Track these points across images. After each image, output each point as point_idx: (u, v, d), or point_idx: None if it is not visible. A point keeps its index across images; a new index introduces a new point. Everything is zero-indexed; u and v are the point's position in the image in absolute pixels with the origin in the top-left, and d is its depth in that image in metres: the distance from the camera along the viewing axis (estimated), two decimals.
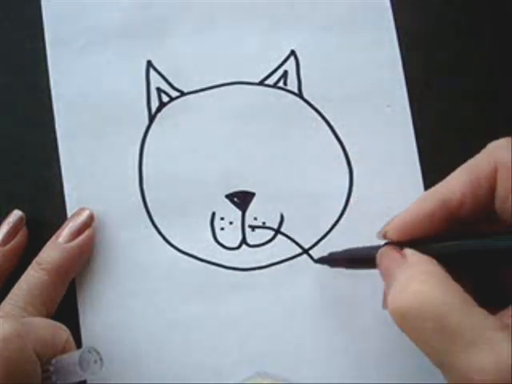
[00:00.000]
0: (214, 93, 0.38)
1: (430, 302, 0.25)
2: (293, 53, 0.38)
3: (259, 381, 0.36)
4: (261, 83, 0.38)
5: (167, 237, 0.37)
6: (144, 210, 0.37)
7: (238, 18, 0.39)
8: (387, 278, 0.28)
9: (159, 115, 0.38)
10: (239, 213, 0.37)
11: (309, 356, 0.36)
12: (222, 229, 0.37)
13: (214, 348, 0.36)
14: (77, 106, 0.38)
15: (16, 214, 0.37)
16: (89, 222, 0.36)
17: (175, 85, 0.38)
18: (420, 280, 0.26)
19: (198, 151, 0.38)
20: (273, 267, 0.37)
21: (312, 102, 0.38)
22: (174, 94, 0.38)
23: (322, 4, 0.39)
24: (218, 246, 0.37)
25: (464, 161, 0.29)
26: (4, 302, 0.34)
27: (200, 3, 0.39)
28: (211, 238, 0.37)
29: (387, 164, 0.37)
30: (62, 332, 0.33)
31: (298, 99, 0.38)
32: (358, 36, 0.38)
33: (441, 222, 0.29)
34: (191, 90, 0.38)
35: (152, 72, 0.38)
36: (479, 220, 0.29)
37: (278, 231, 0.37)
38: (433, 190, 0.29)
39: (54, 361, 0.31)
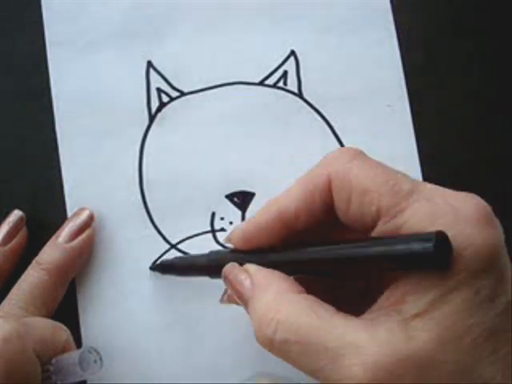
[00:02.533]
0: (214, 93, 0.38)
1: (288, 328, 0.25)
2: (293, 53, 0.38)
3: (259, 381, 0.35)
4: (261, 83, 0.38)
5: (167, 237, 0.37)
6: (144, 210, 0.37)
7: (238, 18, 0.39)
8: (238, 298, 0.29)
9: (159, 115, 0.38)
10: (239, 213, 0.37)
11: None
12: (222, 229, 0.37)
13: (213, 348, 0.36)
14: (77, 106, 0.38)
15: (16, 214, 0.37)
16: (89, 222, 0.36)
17: (175, 85, 0.38)
18: (272, 309, 0.26)
19: (198, 151, 0.38)
20: None
21: (312, 102, 0.38)
22: (174, 94, 0.38)
23: (322, 4, 0.39)
24: (218, 246, 0.37)
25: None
26: (4, 302, 0.34)
27: (200, 3, 0.39)
28: (211, 238, 0.37)
29: (387, 164, 0.37)
30: (62, 332, 0.33)
31: (297, 99, 0.38)
32: (358, 36, 0.38)
33: (278, 232, 0.29)
34: (191, 90, 0.38)
35: (152, 72, 0.38)
36: (325, 229, 0.29)
37: None
38: (272, 201, 0.29)
39: (54, 361, 0.31)
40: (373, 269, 0.27)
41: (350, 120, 0.38)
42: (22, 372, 0.30)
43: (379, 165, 0.27)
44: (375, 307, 0.25)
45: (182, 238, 0.37)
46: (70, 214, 0.37)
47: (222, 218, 0.37)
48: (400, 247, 0.24)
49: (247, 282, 0.28)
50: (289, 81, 0.38)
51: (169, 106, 0.38)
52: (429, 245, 0.23)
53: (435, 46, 0.38)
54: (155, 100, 0.38)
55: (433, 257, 0.23)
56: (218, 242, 0.37)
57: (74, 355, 0.31)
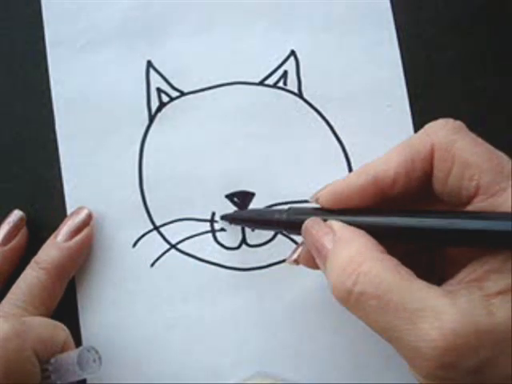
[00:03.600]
0: (214, 93, 0.38)
1: (370, 281, 0.25)
2: (293, 53, 0.38)
3: (259, 381, 0.35)
4: (261, 83, 0.38)
5: (167, 237, 0.37)
6: (144, 209, 0.37)
7: (238, 18, 0.39)
8: (316, 250, 0.28)
9: (159, 115, 0.38)
10: None
11: (309, 356, 0.36)
12: (222, 229, 0.37)
13: (213, 348, 0.36)
14: (77, 106, 0.38)
15: (16, 214, 0.37)
16: (87, 221, 0.36)
17: (175, 85, 0.38)
18: (356, 259, 0.26)
19: (198, 151, 0.38)
20: (273, 267, 0.37)
21: (312, 102, 0.38)
22: (174, 94, 0.38)
23: (322, 4, 0.39)
24: (218, 246, 0.37)
25: None
26: (3, 302, 0.34)
27: (200, 3, 0.39)
28: (211, 238, 0.37)
29: None
30: (61, 331, 0.33)
31: (297, 99, 0.38)
32: (358, 36, 0.38)
33: (372, 197, 0.29)
34: (191, 90, 0.38)
35: (152, 72, 0.38)
36: (416, 199, 0.29)
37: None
38: (368, 165, 0.29)
39: (53, 360, 0.31)
40: (462, 243, 0.26)
41: (350, 120, 0.38)
42: (21, 371, 0.30)
43: (483, 142, 0.27)
44: (454, 281, 0.25)
45: (181, 238, 0.37)
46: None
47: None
48: (498, 223, 0.24)
49: (329, 237, 0.28)
50: (289, 81, 0.38)
51: (169, 106, 0.38)
52: None
53: (435, 46, 0.38)
54: (155, 100, 0.38)
55: None
56: (218, 241, 0.37)
57: (72, 354, 0.31)
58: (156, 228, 0.37)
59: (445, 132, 0.28)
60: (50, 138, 0.38)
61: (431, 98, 0.38)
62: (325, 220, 0.29)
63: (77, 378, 0.32)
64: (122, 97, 0.38)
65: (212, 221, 0.37)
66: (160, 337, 0.36)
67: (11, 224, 0.36)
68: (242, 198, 0.37)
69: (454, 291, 0.24)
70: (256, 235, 0.37)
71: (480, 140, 0.27)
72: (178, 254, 0.37)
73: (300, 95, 0.38)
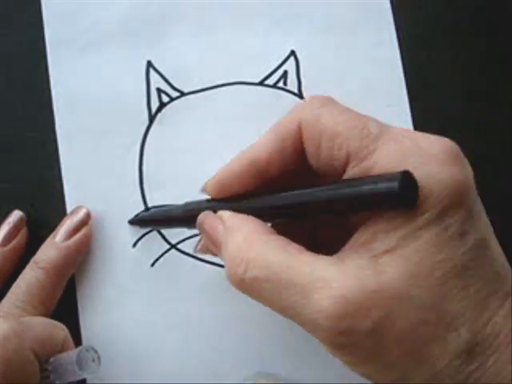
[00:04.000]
0: (214, 93, 0.38)
1: (259, 266, 0.26)
2: (293, 53, 0.38)
3: (259, 381, 0.35)
4: (261, 83, 0.38)
5: (167, 237, 0.37)
6: (144, 209, 0.37)
7: (238, 18, 0.39)
8: (214, 245, 0.29)
9: (159, 115, 0.38)
10: None
11: (309, 356, 0.36)
12: None
13: (213, 348, 0.36)
14: (77, 106, 0.38)
15: (16, 214, 0.37)
16: (86, 220, 0.36)
17: (175, 85, 0.38)
18: (243, 246, 0.27)
19: (198, 151, 0.38)
20: None
21: None
22: (174, 94, 0.38)
23: (322, 4, 0.39)
24: None
25: None
26: (3, 302, 0.34)
27: (200, 3, 0.39)
28: None
29: None
30: (61, 331, 0.33)
31: (298, 99, 0.38)
32: (358, 36, 0.38)
33: (252, 181, 0.29)
34: (191, 90, 0.38)
35: (152, 72, 0.38)
36: (297, 176, 0.29)
37: None
38: (245, 150, 0.30)
39: (52, 360, 0.31)
40: (341, 211, 0.27)
41: None
42: (20, 371, 0.30)
43: (349, 110, 0.28)
44: (346, 247, 0.26)
45: (182, 238, 0.37)
46: None
47: None
48: (366, 187, 0.24)
49: (220, 227, 0.29)
50: (289, 81, 0.38)
51: (169, 106, 0.38)
52: (394, 184, 0.23)
53: (435, 46, 0.38)
54: (155, 100, 0.38)
55: (399, 195, 0.23)
56: None
57: (71, 354, 0.31)
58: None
59: (310, 108, 0.28)
60: (50, 138, 0.38)
61: (431, 97, 0.38)
62: (215, 211, 0.30)
63: (76, 378, 0.32)
64: (122, 97, 0.38)
65: None
66: (160, 337, 0.36)
67: (11, 224, 0.36)
68: None
69: (344, 256, 0.25)
70: None
71: (346, 109, 0.28)
72: (178, 253, 0.37)
73: (300, 95, 0.38)
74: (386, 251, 0.24)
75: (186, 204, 0.33)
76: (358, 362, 0.25)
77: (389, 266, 0.24)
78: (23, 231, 0.36)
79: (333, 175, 0.27)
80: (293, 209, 0.28)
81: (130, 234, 0.37)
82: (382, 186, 0.24)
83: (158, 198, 0.37)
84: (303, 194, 0.27)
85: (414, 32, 0.38)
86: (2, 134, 0.38)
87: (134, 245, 0.37)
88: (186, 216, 0.33)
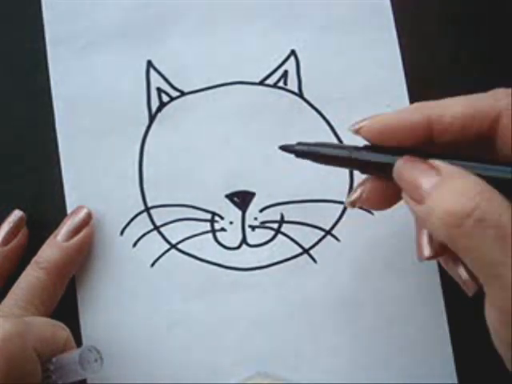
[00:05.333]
0: (214, 93, 0.38)
1: (492, 209, 0.24)
2: (293, 53, 0.38)
3: (259, 381, 0.35)
4: (261, 83, 0.38)
5: (167, 237, 0.37)
6: (144, 209, 0.37)
7: (238, 18, 0.39)
8: (413, 187, 0.27)
9: (159, 115, 0.38)
10: (239, 213, 0.37)
11: (309, 356, 0.36)
12: (222, 229, 0.37)
13: (213, 348, 0.36)
14: (77, 106, 0.38)
15: (17, 214, 0.37)
16: (87, 220, 0.36)
17: (175, 85, 0.38)
18: (478, 189, 0.24)
19: (198, 151, 0.38)
20: (273, 267, 0.37)
21: (312, 102, 0.38)
22: (174, 93, 0.38)
23: (322, 4, 0.39)
24: (218, 246, 0.37)
25: None
26: (4, 302, 0.34)
27: (200, 3, 0.39)
28: (211, 238, 0.37)
29: None
30: (62, 331, 0.33)
31: (298, 99, 0.38)
32: (358, 36, 0.38)
33: (421, 136, 0.28)
34: (191, 89, 0.38)
35: (152, 72, 0.38)
36: (470, 147, 0.28)
37: (278, 231, 0.37)
38: (424, 104, 0.28)
39: (54, 360, 0.31)
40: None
41: (350, 120, 0.37)
42: (22, 371, 0.30)
43: None
44: None
45: (182, 238, 0.37)
46: None
47: (222, 218, 0.37)
48: None
49: (432, 173, 0.26)
50: (289, 81, 0.38)
51: (169, 105, 0.38)
52: None
53: (435, 46, 0.38)
54: (155, 100, 0.38)
55: None
56: (218, 241, 0.37)
57: (74, 354, 0.31)
58: (156, 228, 0.37)
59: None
60: (50, 138, 0.38)
61: (431, 98, 0.38)
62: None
63: (78, 378, 0.32)
64: (122, 97, 0.38)
65: (212, 221, 0.37)
66: (160, 337, 0.36)
67: (11, 224, 0.36)
68: (241, 198, 0.37)
69: None
70: (256, 235, 0.37)
71: None
72: (178, 253, 0.37)
73: (300, 95, 0.38)
74: None
75: (354, 148, 0.30)
76: None
77: None
78: (23, 231, 0.37)
79: None
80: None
81: (130, 234, 0.37)
82: None
83: (158, 197, 0.37)
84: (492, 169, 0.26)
85: (414, 32, 0.38)
86: (2, 134, 0.38)
87: (134, 245, 0.37)
88: (351, 160, 0.30)
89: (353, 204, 0.31)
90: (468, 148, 0.28)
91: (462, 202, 0.24)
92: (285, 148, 0.32)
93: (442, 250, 0.29)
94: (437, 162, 0.26)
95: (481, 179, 0.25)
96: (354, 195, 0.31)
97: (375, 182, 0.31)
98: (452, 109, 0.28)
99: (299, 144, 0.32)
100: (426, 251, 0.30)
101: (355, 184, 0.37)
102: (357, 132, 0.29)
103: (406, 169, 0.27)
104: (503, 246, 0.23)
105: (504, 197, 0.25)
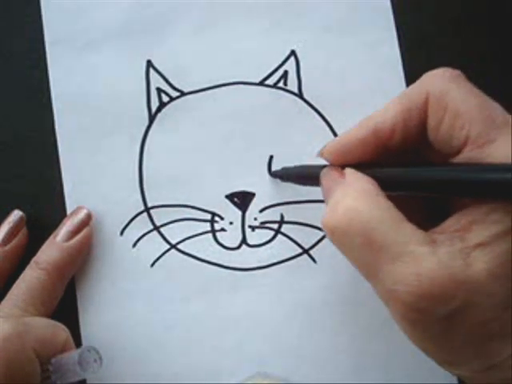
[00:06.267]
0: (214, 93, 0.38)
1: (359, 218, 0.26)
2: (293, 53, 0.38)
3: (259, 381, 0.35)
4: (261, 83, 0.38)
5: (167, 237, 0.37)
6: (144, 210, 0.37)
7: (238, 18, 0.39)
8: (327, 196, 0.29)
9: (159, 115, 0.38)
10: (239, 213, 0.37)
11: (309, 356, 0.36)
12: (222, 229, 0.37)
13: (213, 348, 0.36)
14: (77, 106, 0.38)
15: (16, 214, 0.37)
16: (86, 221, 0.36)
17: (175, 85, 0.38)
18: (351, 197, 0.26)
19: (198, 151, 0.38)
20: (273, 267, 0.37)
21: (312, 102, 0.38)
22: (174, 93, 0.38)
23: (322, 4, 0.39)
24: (218, 246, 0.37)
25: None
26: (3, 303, 0.34)
27: (200, 3, 0.39)
28: (211, 238, 0.37)
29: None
30: (62, 332, 0.33)
31: (297, 99, 0.38)
32: (358, 36, 0.38)
33: (372, 149, 0.29)
34: (191, 89, 0.38)
35: (152, 72, 0.38)
36: (413, 150, 0.29)
37: (277, 231, 0.37)
38: (367, 117, 0.29)
39: (53, 360, 0.31)
40: (452, 193, 0.27)
41: (350, 120, 0.37)
42: (21, 372, 0.30)
43: (479, 92, 0.27)
44: (439, 229, 0.26)
45: (181, 238, 0.37)
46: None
47: (222, 218, 0.37)
48: (478, 174, 0.24)
49: (339, 179, 0.28)
50: (289, 81, 0.38)
51: (169, 105, 0.38)
52: (507, 175, 0.23)
53: (435, 46, 0.38)
54: (155, 100, 0.38)
55: (509, 188, 0.23)
56: (218, 241, 0.37)
57: (73, 355, 0.31)
58: (156, 228, 0.37)
59: (440, 81, 0.28)
60: (50, 138, 0.38)
61: None
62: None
63: (77, 378, 0.32)
64: (122, 97, 0.38)
65: (212, 221, 0.37)
66: (160, 337, 0.36)
67: (11, 224, 0.36)
68: (241, 198, 0.37)
69: (437, 240, 0.25)
70: (256, 235, 0.37)
71: (476, 90, 0.27)
72: (178, 253, 0.37)
73: (300, 95, 0.38)
74: (479, 244, 0.24)
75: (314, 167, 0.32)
76: (421, 339, 0.26)
77: (479, 260, 0.24)
78: (23, 231, 0.37)
79: (447, 153, 0.27)
80: (409, 184, 0.27)
81: (130, 234, 0.37)
82: (495, 175, 0.24)
83: (158, 197, 0.37)
84: (424, 171, 0.27)
85: (414, 32, 0.38)
86: (2, 134, 0.38)
87: (134, 245, 0.37)
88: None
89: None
90: (414, 151, 0.29)
91: (333, 212, 0.27)
92: (273, 174, 0.37)
93: None
94: (347, 171, 0.28)
95: (373, 187, 0.27)
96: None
97: None
98: (390, 112, 0.29)
99: (283, 169, 0.35)
100: None
101: None
102: (321, 156, 0.31)
103: (323, 178, 0.30)
104: (369, 252, 0.25)
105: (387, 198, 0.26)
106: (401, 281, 0.24)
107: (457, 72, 0.28)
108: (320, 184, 0.30)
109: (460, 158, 0.26)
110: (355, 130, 0.29)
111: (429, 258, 0.24)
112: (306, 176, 0.34)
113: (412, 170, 0.27)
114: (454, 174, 0.25)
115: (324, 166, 0.31)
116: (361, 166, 0.29)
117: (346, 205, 0.26)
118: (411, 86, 0.29)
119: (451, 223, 0.26)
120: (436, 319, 0.24)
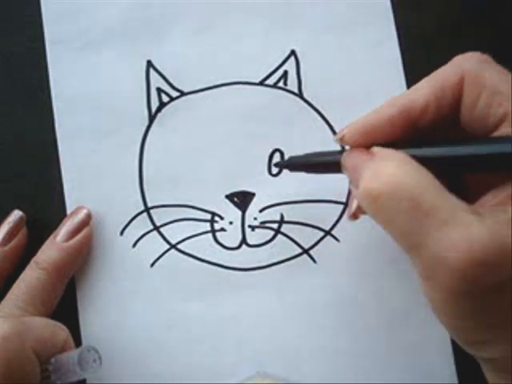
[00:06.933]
0: (213, 93, 0.38)
1: (405, 183, 0.25)
2: (293, 53, 0.38)
3: (259, 381, 0.35)
4: (261, 83, 0.38)
5: (167, 237, 0.37)
6: (144, 210, 0.37)
7: (238, 18, 0.39)
8: (354, 175, 0.28)
9: (159, 115, 0.38)
10: (239, 213, 0.37)
11: (309, 356, 0.36)
12: (222, 229, 0.37)
13: (213, 348, 0.36)
14: (77, 106, 0.38)
15: (16, 214, 0.37)
16: (86, 221, 0.36)
17: (175, 85, 0.38)
18: (393, 165, 0.26)
19: (198, 151, 0.38)
20: (273, 267, 0.37)
21: (312, 102, 0.38)
22: (174, 93, 0.38)
23: (322, 4, 0.39)
24: (218, 246, 0.37)
25: None
26: (3, 302, 0.34)
27: (200, 3, 0.39)
28: (211, 238, 0.37)
29: None
30: (61, 332, 0.33)
31: (298, 99, 0.38)
32: (358, 36, 0.38)
33: (399, 129, 0.28)
34: (191, 89, 0.38)
35: (152, 72, 0.38)
36: (442, 132, 0.29)
37: (277, 231, 0.37)
38: (396, 97, 0.29)
39: (53, 360, 0.32)
40: (491, 168, 0.27)
41: (350, 120, 0.37)
42: (20, 371, 0.30)
43: (508, 72, 0.27)
44: (478, 204, 0.26)
45: (181, 238, 0.37)
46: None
47: (222, 218, 0.37)
48: None
49: (369, 157, 0.27)
50: (289, 81, 0.38)
51: (169, 105, 0.38)
52: None
53: (435, 46, 0.38)
54: (155, 100, 0.38)
55: None
56: (218, 241, 0.37)
57: (73, 354, 0.31)
58: (156, 228, 0.37)
59: (474, 61, 0.28)
60: (50, 138, 0.38)
61: None
62: None
63: (77, 378, 0.32)
64: (122, 97, 0.38)
65: (212, 221, 0.37)
66: (160, 337, 0.36)
67: (11, 224, 0.36)
68: (241, 198, 0.37)
69: (480, 211, 0.24)
70: (256, 235, 0.37)
71: (506, 71, 0.28)
72: (178, 253, 0.37)
73: (300, 95, 0.38)
74: None
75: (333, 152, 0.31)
76: (461, 314, 0.25)
77: None
78: (23, 231, 0.37)
79: (481, 133, 0.27)
80: (446, 162, 0.27)
81: (130, 234, 0.37)
82: None
83: (158, 198, 0.37)
84: (454, 148, 0.27)
85: (414, 32, 0.38)
86: (2, 134, 0.38)
87: (134, 245, 0.37)
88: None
89: (353, 218, 0.32)
90: (443, 132, 0.29)
91: (376, 177, 0.26)
92: (278, 164, 0.36)
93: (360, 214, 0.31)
94: (376, 149, 0.28)
95: (411, 159, 0.26)
96: (352, 207, 0.32)
97: None
98: (422, 91, 0.28)
99: (291, 158, 0.34)
100: (349, 212, 0.32)
101: None
102: (341, 141, 0.30)
103: (347, 159, 0.29)
104: (416, 217, 0.25)
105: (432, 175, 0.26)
106: (451, 247, 0.24)
107: (486, 55, 0.28)
108: (341, 167, 0.29)
109: (497, 135, 0.26)
110: (381, 111, 0.29)
111: (479, 225, 0.24)
112: (320, 163, 0.32)
113: (449, 148, 0.27)
114: (497, 147, 0.25)
115: (341, 151, 0.30)
116: (387, 145, 0.28)
117: (390, 171, 0.26)
118: (442, 68, 0.29)
119: (488, 199, 0.25)
120: (484, 289, 0.24)
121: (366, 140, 0.29)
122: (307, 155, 0.33)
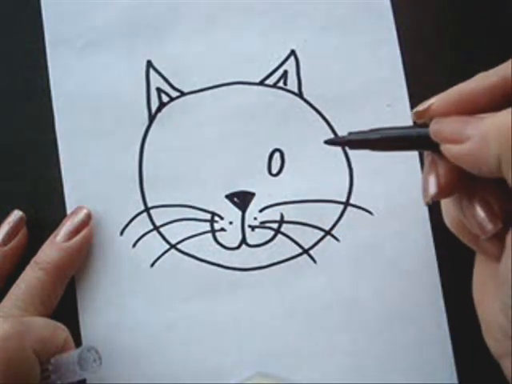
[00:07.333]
0: (213, 93, 0.38)
1: None
2: (293, 53, 0.38)
3: (259, 381, 0.35)
4: (261, 83, 0.38)
5: (167, 237, 0.37)
6: (144, 210, 0.37)
7: (238, 18, 0.39)
8: (456, 135, 0.26)
9: (159, 115, 0.38)
10: (239, 213, 0.37)
11: (309, 356, 0.36)
12: (222, 229, 0.37)
13: (213, 348, 0.36)
14: (77, 106, 0.38)
15: (16, 214, 0.37)
16: (86, 221, 0.36)
17: (175, 85, 0.38)
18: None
19: (198, 151, 0.38)
20: (273, 267, 0.37)
21: (312, 102, 0.38)
22: (174, 94, 0.38)
23: (322, 4, 0.39)
24: (218, 246, 0.37)
25: None
26: (3, 302, 0.34)
27: (200, 3, 0.39)
28: (211, 238, 0.37)
29: (387, 164, 0.37)
30: (61, 331, 0.33)
31: (298, 99, 0.38)
32: (358, 36, 0.38)
33: (500, 98, 0.26)
34: (191, 90, 0.38)
35: (152, 72, 0.38)
36: None
37: (277, 231, 0.37)
38: (494, 69, 0.27)
39: (53, 360, 0.32)
40: None
41: (350, 120, 0.38)
42: (20, 371, 0.30)
43: None
44: None
45: (181, 238, 0.37)
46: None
47: (222, 218, 0.37)
48: None
49: (473, 119, 0.25)
50: (289, 81, 0.38)
51: (169, 105, 0.38)
52: None
53: (435, 46, 0.38)
54: (155, 100, 0.38)
55: None
56: (218, 241, 0.37)
57: (73, 354, 0.31)
58: (156, 228, 0.37)
59: None
60: (50, 138, 0.38)
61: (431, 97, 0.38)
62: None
63: (77, 378, 0.32)
64: (122, 97, 0.38)
65: (212, 221, 0.37)
66: (160, 337, 0.36)
67: (11, 224, 0.36)
68: (241, 198, 0.37)
69: None
70: (256, 235, 0.37)
71: None
72: (178, 253, 0.37)
73: (300, 95, 0.38)
74: None
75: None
76: None
77: None
78: (23, 231, 0.37)
79: None
80: None
81: (130, 234, 0.37)
82: None
83: (158, 197, 0.37)
84: None
85: (414, 32, 0.38)
86: (2, 134, 0.38)
87: (134, 245, 0.37)
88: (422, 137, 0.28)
89: (433, 198, 0.28)
90: None
91: (507, 116, 0.24)
92: (334, 142, 0.32)
93: (450, 189, 0.28)
94: (482, 115, 0.26)
95: None
96: (431, 187, 0.28)
97: (445, 165, 0.28)
98: None
99: (351, 134, 0.30)
100: (432, 188, 0.28)
101: (354, 186, 0.37)
102: (424, 113, 0.28)
103: (446, 122, 0.27)
104: None
105: None
106: None
107: None
108: (435, 132, 0.27)
109: None
110: (480, 79, 0.27)
111: None
112: (397, 138, 0.30)
113: None
114: None
115: (419, 126, 0.28)
116: None
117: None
118: None
119: None
120: None
121: (458, 109, 0.27)
122: (371, 130, 0.30)
